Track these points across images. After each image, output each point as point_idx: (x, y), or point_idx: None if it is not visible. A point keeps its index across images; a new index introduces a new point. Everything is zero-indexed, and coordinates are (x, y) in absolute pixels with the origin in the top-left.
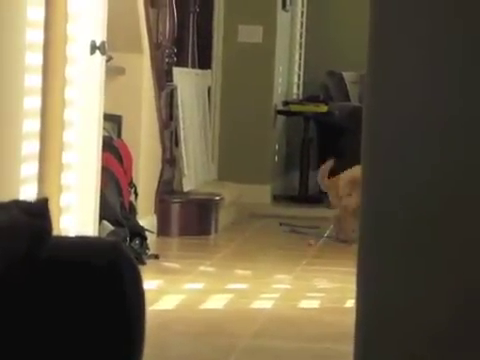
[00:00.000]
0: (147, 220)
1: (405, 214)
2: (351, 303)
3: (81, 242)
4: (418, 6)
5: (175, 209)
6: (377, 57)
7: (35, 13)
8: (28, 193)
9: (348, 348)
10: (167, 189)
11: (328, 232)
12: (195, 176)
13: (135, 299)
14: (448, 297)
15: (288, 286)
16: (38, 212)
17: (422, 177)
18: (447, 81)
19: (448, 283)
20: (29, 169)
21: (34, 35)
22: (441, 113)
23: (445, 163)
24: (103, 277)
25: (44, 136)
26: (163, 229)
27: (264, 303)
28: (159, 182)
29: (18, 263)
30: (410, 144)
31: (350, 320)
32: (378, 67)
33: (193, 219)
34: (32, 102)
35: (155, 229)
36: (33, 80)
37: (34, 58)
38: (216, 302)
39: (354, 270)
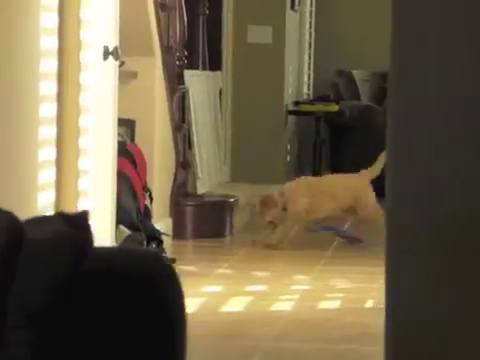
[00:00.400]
0: (162, 223)
1: (434, 212)
2: (371, 303)
3: (121, 253)
4: (443, 2)
5: (190, 212)
6: (401, 54)
7: (49, 20)
8: (45, 200)
9: (370, 349)
10: (181, 192)
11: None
12: (209, 178)
13: (177, 309)
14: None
15: (307, 287)
16: (80, 224)
17: (452, 174)
18: (477, 77)
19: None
20: (46, 176)
21: (48, 42)
22: (472, 109)
23: (477, 159)
24: (144, 288)
25: (60, 142)
26: (178, 232)
27: (284, 305)
28: (173, 185)
29: (63, 275)
30: (439, 141)
31: (371, 320)
32: (402, 65)
33: (208, 221)
34: (48, 109)
35: (171, 232)
36: (48, 87)
37: (49, 65)
38: (236, 305)
39: (373, 270)
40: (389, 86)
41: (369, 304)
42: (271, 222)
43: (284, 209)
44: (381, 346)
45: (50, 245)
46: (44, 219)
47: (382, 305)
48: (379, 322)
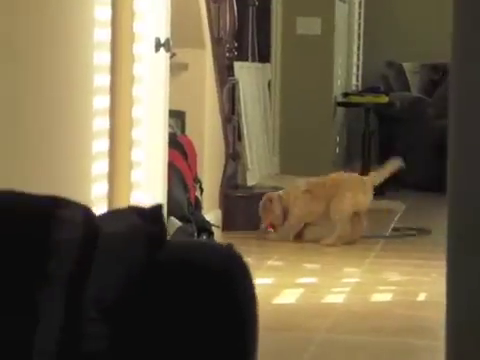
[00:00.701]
0: (212, 215)
1: None
2: (423, 296)
3: (194, 246)
4: None
5: (240, 203)
6: (462, 45)
7: (102, 13)
8: (99, 191)
9: (424, 342)
10: (231, 184)
11: (393, 225)
12: (258, 170)
13: (248, 301)
14: None
15: (358, 280)
16: (153, 217)
17: None
18: None
19: None
20: (99, 167)
21: (102, 34)
22: None
23: None
24: (217, 279)
25: (113, 134)
26: (228, 224)
27: (335, 297)
28: (223, 177)
29: (137, 268)
30: None
31: (424, 313)
32: (464, 57)
33: (258, 213)
34: (101, 101)
35: (220, 224)
36: (102, 79)
37: (102, 57)
38: (288, 297)
39: (423, 263)
40: (450, 78)
41: (421, 297)
42: (271, 226)
43: (284, 213)
44: (434, 340)
45: (124, 239)
46: (117, 213)
47: (435, 298)
48: (432, 315)
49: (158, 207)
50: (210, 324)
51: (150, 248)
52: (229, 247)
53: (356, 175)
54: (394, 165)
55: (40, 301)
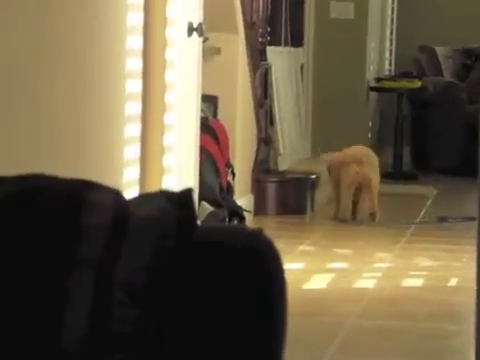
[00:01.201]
0: (244, 200)
1: None
2: (455, 282)
3: (224, 230)
4: None
5: (271, 188)
6: None
7: None
8: (131, 175)
9: (456, 327)
10: (263, 168)
11: (424, 211)
12: (290, 154)
13: (279, 285)
14: None
15: (389, 265)
16: (184, 202)
17: None
18: None
19: None
20: (132, 152)
21: (135, 18)
22: None
23: None
24: (249, 264)
25: (146, 119)
26: (260, 209)
27: (367, 282)
28: (255, 161)
29: (167, 252)
30: None
31: (456, 299)
32: None
33: (289, 198)
34: (134, 85)
35: (252, 209)
36: (134, 64)
37: (135, 42)
38: (319, 282)
39: (455, 248)
40: None
41: (453, 282)
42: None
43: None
44: (466, 325)
45: (154, 223)
46: (148, 197)
47: (466, 283)
48: (464, 300)
49: (188, 191)
50: (239, 307)
51: (179, 232)
52: (259, 231)
53: (363, 148)
54: None
55: (70, 284)
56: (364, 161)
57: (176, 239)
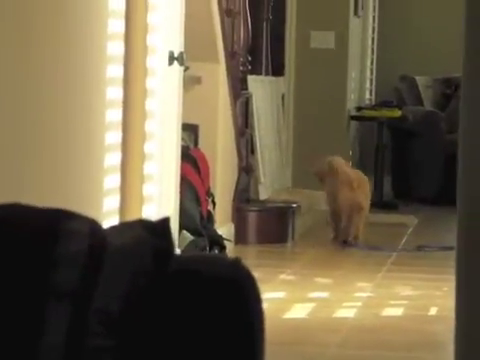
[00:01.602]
0: (225, 229)
1: None
2: (435, 311)
3: (202, 259)
4: None
5: (252, 217)
6: (474, 60)
7: (116, 26)
8: (110, 204)
9: (434, 356)
10: (243, 197)
11: (404, 240)
12: (271, 183)
13: (257, 314)
14: None
15: (370, 294)
16: (161, 231)
17: None
18: None
19: None
20: (112, 181)
21: (115, 47)
22: None
23: None
24: (226, 292)
25: (126, 147)
26: (240, 238)
27: (347, 312)
28: (236, 190)
29: (144, 281)
30: None
31: (436, 328)
32: (475, 71)
33: (270, 227)
34: (114, 114)
35: (233, 238)
36: (114, 92)
37: (115, 70)
38: (299, 311)
39: (435, 277)
40: (463, 90)
41: (433, 312)
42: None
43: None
44: (444, 354)
45: (131, 251)
46: (125, 226)
47: (446, 312)
48: (443, 329)
49: (166, 220)
50: (216, 337)
51: (156, 261)
52: (237, 260)
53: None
54: None
55: (46, 313)
56: (355, 187)
57: (153, 268)
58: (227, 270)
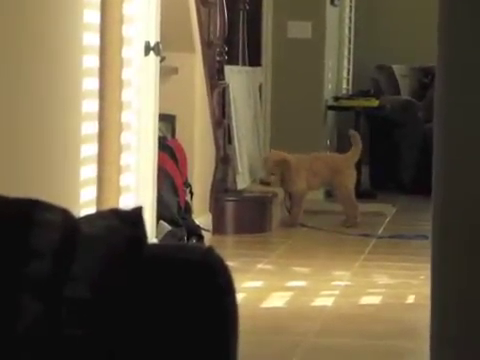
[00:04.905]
0: (202, 219)
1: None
2: (412, 299)
3: (175, 248)
4: None
5: (230, 207)
6: (448, 50)
7: (91, 17)
8: (87, 195)
9: (412, 344)
10: (221, 187)
11: (382, 228)
12: (248, 173)
13: (230, 297)
14: None
15: (347, 283)
16: (134, 220)
17: None
18: None
19: None
20: (88, 171)
21: (90, 38)
22: None
23: None
24: (200, 280)
25: (102, 138)
26: (218, 227)
27: (325, 300)
28: (213, 181)
29: (116, 270)
30: None
31: (413, 316)
32: (449, 61)
33: (248, 217)
34: (90, 105)
35: (210, 228)
36: (90, 83)
37: (91, 61)
38: (277, 300)
39: (413, 265)
40: (437, 81)
41: (410, 300)
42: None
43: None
44: (422, 342)
45: (104, 240)
46: (97, 215)
47: (423, 301)
48: (421, 318)
49: (138, 209)
50: (189, 320)
51: (129, 249)
52: (209, 248)
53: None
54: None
55: (18, 303)
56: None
57: (126, 257)
58: (199, 257)
